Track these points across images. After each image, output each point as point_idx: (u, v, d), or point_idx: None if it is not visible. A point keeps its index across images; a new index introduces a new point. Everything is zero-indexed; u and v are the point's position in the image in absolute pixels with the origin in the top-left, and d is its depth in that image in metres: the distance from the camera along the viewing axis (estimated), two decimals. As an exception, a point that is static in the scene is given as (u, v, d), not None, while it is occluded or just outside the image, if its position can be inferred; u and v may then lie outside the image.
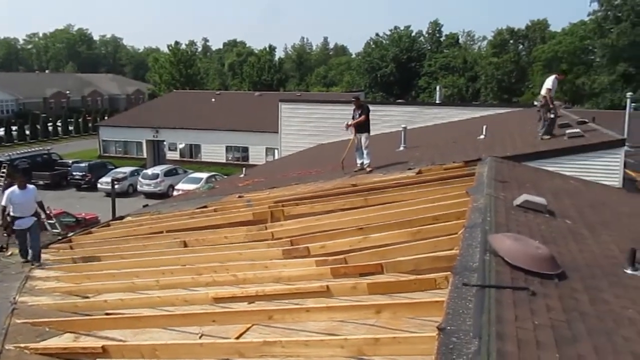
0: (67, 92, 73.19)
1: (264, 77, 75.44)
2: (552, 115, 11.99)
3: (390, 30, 76.86)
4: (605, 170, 10.90)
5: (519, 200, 6.22)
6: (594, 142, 11.20)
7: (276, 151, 27.99)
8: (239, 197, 10.77)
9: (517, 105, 30.33)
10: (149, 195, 31.55)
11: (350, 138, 12.36)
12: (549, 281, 3.96)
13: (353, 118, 12.00)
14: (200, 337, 5.04)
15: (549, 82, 12.42)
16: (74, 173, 35.32)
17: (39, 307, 6.03)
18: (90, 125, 58.53)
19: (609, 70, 51.76)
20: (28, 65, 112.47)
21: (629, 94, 18.66)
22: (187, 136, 41.89)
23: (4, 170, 30.75)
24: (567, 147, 11.14)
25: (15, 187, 8.45)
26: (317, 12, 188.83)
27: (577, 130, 12.00)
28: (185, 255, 7.09)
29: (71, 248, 9.10)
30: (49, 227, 17.93)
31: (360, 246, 6.01)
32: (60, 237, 11.05)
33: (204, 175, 31.99)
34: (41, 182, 32.12)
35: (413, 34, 76.25)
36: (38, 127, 55.64)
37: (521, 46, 70.00)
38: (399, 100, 48.56)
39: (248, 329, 5.26)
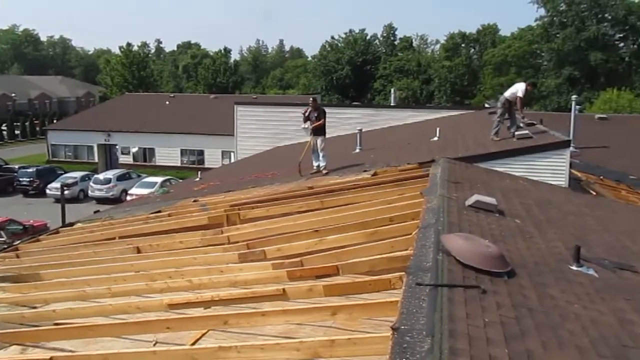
0: (13, 94, 70.44)
1: (219, 80, 74.75)
2: (521, 124, 12.30)
3: (346, 34, 77.55)
4: (552, 170, 11.31)
5: (471, 200, 6.37)
6: (541, 143, 11.60)
7: (232, 154, 27.77)
8: (195, 201, 10.62)
9: (469, 108, 31.11)
10: (101, 200, 30.78)
11: (307, 140, 12.40)
12: (498, 279, 4.07)
13: (308, 118, 12.04)
14: (154, 345, 4.94)
15: (520, 90, 12.37)
16: (21, 179, 34.09)
17: (-17, 320, 5.77)
18: (38, 129, 56.53)
19: (556, 73, 53.70)
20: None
21: (574, 97, 19.35)
22: (140, 140, 41.02)
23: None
24: (516, 148, 11.51)
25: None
26: (273, 15, 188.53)
27: (526, 131, 12.40)
28: (139, 262, 6.92)
29: (18, 257, 8.73)
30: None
31: (317, 248, 6.02)
32: (6, 246, 10.60)
33: (158, 179, 31.46)
34: (-15, 189, 30.87)
35: (368, 37, 77.16)
36: (-19, 132, 53.43)
37: (473, 50, 71.86)
38: (355, 103, 49.12)
39: (203, 334, 5.18)
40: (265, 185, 11.26)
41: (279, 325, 4.97)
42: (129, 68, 65.90)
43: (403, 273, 4.17)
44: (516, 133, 12.24)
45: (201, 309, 5.19)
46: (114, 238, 8.61)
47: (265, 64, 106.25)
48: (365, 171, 10.52)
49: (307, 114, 12.08)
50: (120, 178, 33.06)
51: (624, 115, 33.07)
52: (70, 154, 43.39)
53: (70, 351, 4.81)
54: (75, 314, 5.48)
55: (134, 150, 41.55)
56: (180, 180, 27.91)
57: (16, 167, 36.62)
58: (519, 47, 60.16)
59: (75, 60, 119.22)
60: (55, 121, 56.13)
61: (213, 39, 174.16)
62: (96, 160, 42.07)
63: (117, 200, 28.79)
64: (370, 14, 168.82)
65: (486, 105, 25.72)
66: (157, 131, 40.43)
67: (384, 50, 76.45)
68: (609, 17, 53.29)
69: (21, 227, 21.59)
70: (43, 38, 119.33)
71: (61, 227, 11.50)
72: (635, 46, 54.07)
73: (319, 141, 11.90)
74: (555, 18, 54.32)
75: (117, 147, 41.88)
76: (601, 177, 15.37)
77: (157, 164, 40.80)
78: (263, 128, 22.69)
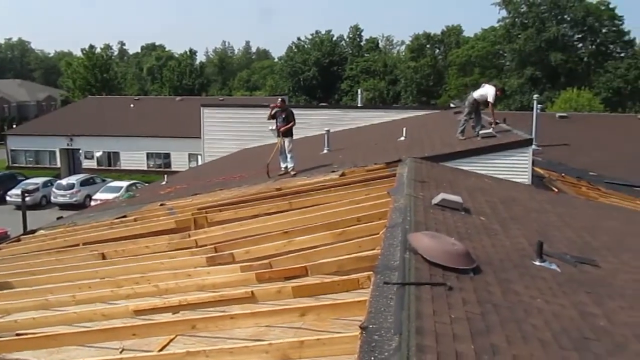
0: (-32, 99, 68.24)
1: (185, 82, 73.84)
2: (491, 129, 12.49)
3: (312, 35, 77.62)
4: (516, 168, 11.57)
5: (437, 199, 6.46)
6: (505, 142, 11.86)
7: (199, 157, 27.48)
8: (161, 205, 10.48)
9: (435, 108, 31.53)
10: (64, 206, 30.04)
11: (275, 142, 12.37)
12: (464, 276, 4.14)
13: (274, 118, 12.03)
14: (120, 352, 4.85)
15: (491, 96, 12.41)
16: (-21, 186, 32.98)
17: (-60, 332, 5.56)
18: (-4, 134, 54.85)
19: (518, 73, 54.82)
20: None
21: (535, 96, 19.84)
22: (104, 144, 40.21)
23: None
24: (480, 147, 11.72)
25: None
26: (237, 15, 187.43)
27: (490, 130, 12.64)
28: (104, 268, 6.78)
29: (-24, 266, 8.46)
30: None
31: (285, 250, 6.01)
32: (-36, 255, 10.24)
33: (123, 183, 30.88)
34: (-59, 197, 29.78)
35: (334, 38, 77.33)
36: None
37: (437, 50, 72.77)
38: (322, 104, 49.14)
39: (171, 340, 5.11)
40: (233, 188, 11.18)
41: (248, 328, 4.94)
42: (91, 70, 64.40)
43: (371, 272, 4.20)
44: (480, 132, 12.46)
45: (169, 314, 5.11)
46: (78, 244, 8.41)
47: (231, 65, 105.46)
48: (333, 172, 10.56)
49: (272, 112, 12.06)
50: (84, 183, 32.33)
51: (584, 114, 34.12)
52: (31, 159, 42.24)
53: (33, 362, 4.67)
54: (38, 323, 5.33)
55: (98, 154, 40.67)
56: (147, 184, 27.49)
57: (-26, 173, 35.48)
58: (483, 47, 61.21)
59: (35, 63, 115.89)
60: (14, 126, 54.47)
61: (178, 40, 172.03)
62: (59, 165, 41.06)
63: (81, 206, 28.11)
64: (336, 15, 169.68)
65: (451, 105, 26.08)
66: (121, 135, 39.68)
67: (351, 51, 76.78)
68: (568, 19, 54.70)
69: (-20, 236, 20.89)
70: (0, 40, 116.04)
71: (22, 234, 11.17)
72: (593, 47, 55.65)
73: (286, 142, 11.89)
74: (516, 19, 55.47)
75: (80, 151, 40.95)
76: (563, 174, 15.77)
77: (122, 168, 40.06)
78: (230, 130, 22.53)
